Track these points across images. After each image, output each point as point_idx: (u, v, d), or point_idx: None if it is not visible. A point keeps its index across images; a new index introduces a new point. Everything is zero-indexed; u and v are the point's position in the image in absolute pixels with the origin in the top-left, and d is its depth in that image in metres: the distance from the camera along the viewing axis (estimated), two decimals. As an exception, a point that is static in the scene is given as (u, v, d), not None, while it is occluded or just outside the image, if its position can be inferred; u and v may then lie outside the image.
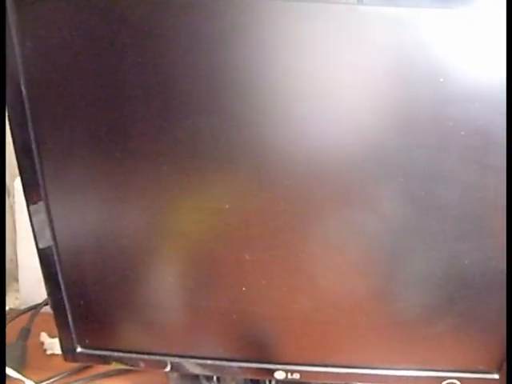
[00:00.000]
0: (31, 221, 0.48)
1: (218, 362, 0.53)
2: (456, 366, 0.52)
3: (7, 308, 0.75)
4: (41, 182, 0.46)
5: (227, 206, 0.44)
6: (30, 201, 0.47)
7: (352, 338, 0.51)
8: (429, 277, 0.47)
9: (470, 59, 0.37)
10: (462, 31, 0.37)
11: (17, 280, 0.81)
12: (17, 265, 0.79)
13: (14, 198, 0.78)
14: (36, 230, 0.49)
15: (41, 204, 0.47)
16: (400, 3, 0.36)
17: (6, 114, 0.43)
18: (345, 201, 0.44)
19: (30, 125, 0.43)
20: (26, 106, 0.42)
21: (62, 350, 0.55)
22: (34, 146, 0.44)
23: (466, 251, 0.45)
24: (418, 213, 0.43)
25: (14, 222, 0.78)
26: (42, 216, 0.47)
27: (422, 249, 0.45)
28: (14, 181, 0.75)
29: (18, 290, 0.82)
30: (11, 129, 0.44)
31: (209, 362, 0.53)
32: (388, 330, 0.51)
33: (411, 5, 0.36)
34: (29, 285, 0.77)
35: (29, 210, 0.48)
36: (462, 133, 0.39)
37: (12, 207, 0.81)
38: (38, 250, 0.50)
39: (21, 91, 0.42)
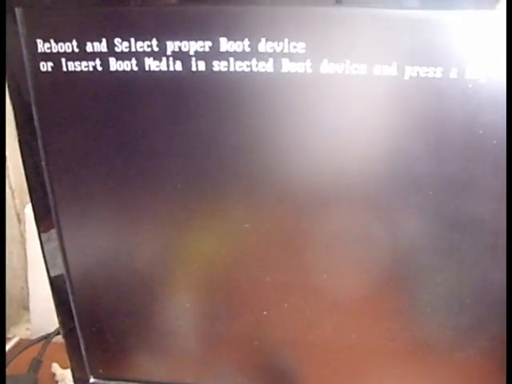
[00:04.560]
0: (42, 249, 0.47)
1: (238, 392, 0.51)
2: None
3: (18, 338, 0.73)
4: (52, 208, 0.44)
5: (246, 226, 0.42)
6: (41, 228, 0.46)
7: (380, 363, 0.48)
8: (460, 296, 0.44)
9: (500, 63, 0.36)
10: (491, 33, 0.35)
11: (28, 310, 0.79)
12: (28, 294, 0.77)
13: (24, 225, 0.77)
14: (47, 258, 0.47)
15: (53, 232, 0.45)
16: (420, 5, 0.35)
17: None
18: (371, 218, 0.41)
19: (41, 149, 0.42)
20: (37, 129, 0.41)
21: (74, 381, 0.53)
22: (45, 172, 0.42)
23: (499, 268, 0.42)
24: (449, 228, 0.41)
25: (25, 250, 0.77)
26: (53, 244, 0.46)
27: (452, 266, 0.43)
28: (25, 207, 0.74)
29: (28, 321, 0.81)
30: (22, 153, 0.43)
31: (228, 391, 0.51)
32: (416, 354, 0.48)
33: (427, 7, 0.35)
34: (40, 315, 0.75)
35: (40, 238, 0.46)
36: (494, 141, 0.37)
37: (23, 235, 0.79)
38: (50, 278, 0.48)
39: (31, 114, 0.40)
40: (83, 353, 0.51)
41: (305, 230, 0.42)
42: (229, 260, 0.45)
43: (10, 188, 0.75)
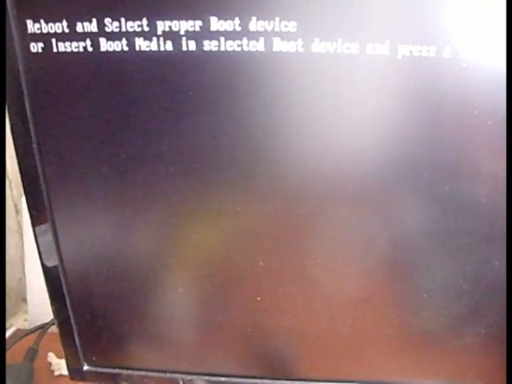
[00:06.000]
0: (37, 241, 0.46)
1: (232, 379, 0.50)
2: (487, 379, 0.48)
3: (14, 328, 0.73)
4: (46, 201, 0.44)
5: (239, 209, 0.42)
6: (35, 221, 0.45)
7: (375, 351, 0.48)
8: (456, 282, 0.44)
9: (494, 42, 0.35)
10: (485, 11, 0.34)
11: (25, 301, 0.79)
12: (25, 285, 0.77)
13: (22, 216, 0.76)
14: (42, 250, 0.47)
15: (47, 224, 0.45)
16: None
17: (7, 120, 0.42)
18: (366, 201, 0.41)
19: (32, 131, 0.41)
20: (28, 111, 0.40)
21: (68, 369, 0.53)
22: (36, 154, 0.42)
23: (495, 252, 0.42)
24: (444, 211, 0.40)
25: (22, 241, 0.77)
26: (48, 237, 0.46)
27: (447, 251, 0.42)
28: (21, 197, 0.74)
29: (27, 312, 0.80)
30: (13, 136, 0.42)
31: (222, 379, 0.50)
32: (413, 341, 0.47)
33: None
34: (37, 305, 0.74)
35: (34, 231, 0.46)
36: (490, 122, 0.37)
37: (20, 225, 0.79)
38: (44, 269, 0.48)
39: (22, 95, 0.40)
40: (77, 341, 0.51)
41: (298, 213, 0.42)
42: (221, 244, 0.44)
43: (8, 178, 0.75)
